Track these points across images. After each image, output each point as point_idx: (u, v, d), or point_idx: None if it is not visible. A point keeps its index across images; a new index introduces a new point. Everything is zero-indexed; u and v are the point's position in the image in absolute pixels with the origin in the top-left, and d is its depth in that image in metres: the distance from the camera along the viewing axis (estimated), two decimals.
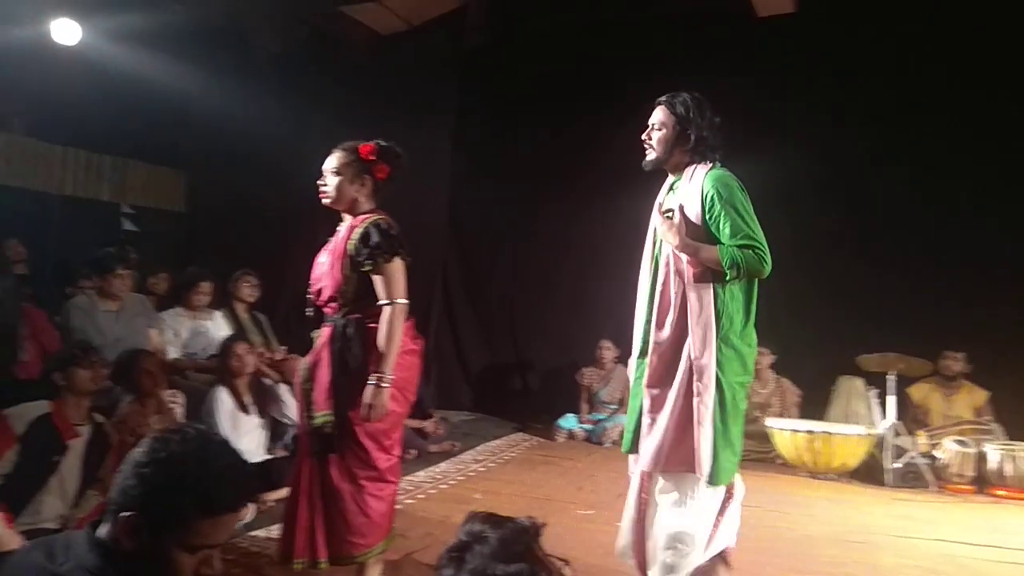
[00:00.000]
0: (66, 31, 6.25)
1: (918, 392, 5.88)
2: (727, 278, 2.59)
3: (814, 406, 6.16)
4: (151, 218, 8.18)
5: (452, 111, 7.59)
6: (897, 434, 5.31)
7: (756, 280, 2.68)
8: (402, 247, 2.74)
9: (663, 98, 2.79)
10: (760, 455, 5.87)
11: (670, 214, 2.74)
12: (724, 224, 2.60)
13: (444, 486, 4.71)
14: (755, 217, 2.64)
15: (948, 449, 5.23)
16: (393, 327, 2.67)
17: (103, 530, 1.44)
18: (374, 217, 2.77)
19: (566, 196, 7.30)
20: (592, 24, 7.18)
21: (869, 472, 5.41)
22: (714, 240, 2.63)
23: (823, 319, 6.36)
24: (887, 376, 5.39)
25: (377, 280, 2.71)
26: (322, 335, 2.83)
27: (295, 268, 7.30)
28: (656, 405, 2.69)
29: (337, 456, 2.72)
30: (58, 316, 4.82)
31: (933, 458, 5.28)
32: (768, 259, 2.59)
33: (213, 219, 8.31)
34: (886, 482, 5.19)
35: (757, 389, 6.31)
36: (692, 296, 2.64)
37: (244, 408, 4.29)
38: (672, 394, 2.64)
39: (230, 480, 1.42)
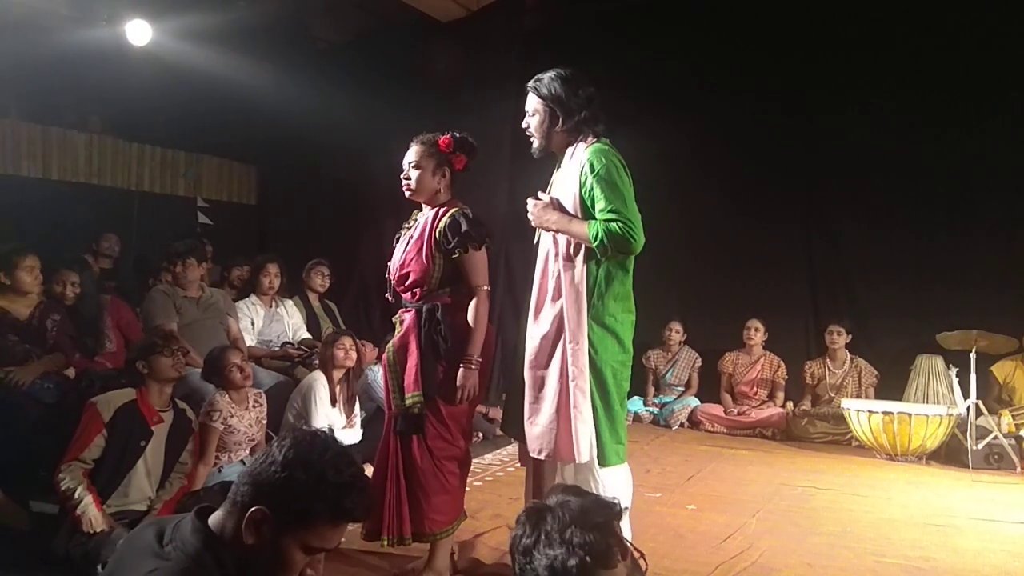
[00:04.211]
0: (138, 31, 6.43)
1: (1002, 370, 5.64)
2: (597, 254, 2.54)
3: (892, 386, 5.97)
4: (224, 211, 8.40)
5: (512, 96, 7.55)
6: (980, 414, 5.11)
7: (632, 257, 2.62)
8: (487, 236, 2.85)
9: (530, 83, 2.76)
10: (836, 437, 5.74)
11: (539, 198, 2.72)
12: (597, 198, 2.55)
13: (511, 469, 4.74)
14: (631, 191, 2.56)
15: None
16: (479, 311, 2.80)
17: (216, 517, 1.50)
18: (458, 207, 2.87)
19: None
20: (652, 4, 7.05)
21: (950, 454, 5.23)
22: (591, 215, 2.57)
23: (901, 296, 6.15)
24: (969, 354, 5.19)
25: (464, 266, 2.81)
26: (405, 320, 2.91)
27: (363, 258, 7.49)
28: (537, 388, 2.67)
29: (420, 436, 2.82)
30: (140, 307, 5.02)
31: (1019, 438, 5.07)
32: (636, 234, 2.50)
33: (283, 211, 8.50)
34: (968, 464, 5.01)
35: (832, 369, 6.16)
36: (566, 277, 2.61)
37: (333, 401, 4.30)
38: (552, 378, 2.62)
39: (360, 491, 1.48)
